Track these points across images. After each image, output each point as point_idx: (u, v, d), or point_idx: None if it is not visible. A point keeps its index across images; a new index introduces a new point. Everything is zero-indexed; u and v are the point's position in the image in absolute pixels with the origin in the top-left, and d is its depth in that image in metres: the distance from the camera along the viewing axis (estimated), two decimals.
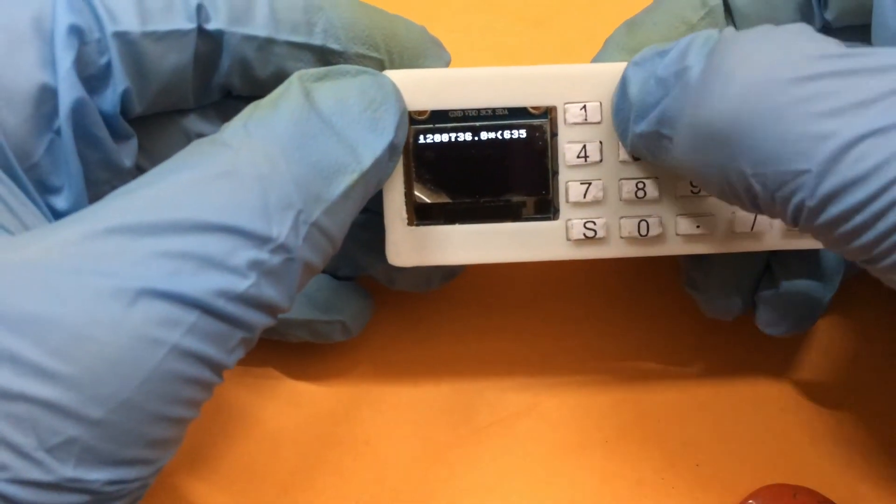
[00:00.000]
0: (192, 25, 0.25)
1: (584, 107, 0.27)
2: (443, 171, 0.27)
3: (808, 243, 0.28)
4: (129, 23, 0.25)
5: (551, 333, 0.33)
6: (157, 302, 0.20)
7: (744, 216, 0.28)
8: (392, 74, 0.26)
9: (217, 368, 0.21)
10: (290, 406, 0.32)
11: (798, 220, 0.22)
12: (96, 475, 0.20)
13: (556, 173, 0.28)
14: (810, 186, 0.21)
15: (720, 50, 0.23)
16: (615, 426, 0.32)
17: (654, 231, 0.28)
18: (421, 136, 0.27)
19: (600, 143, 0.27)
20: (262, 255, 0.21)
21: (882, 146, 0.20)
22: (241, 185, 0.22)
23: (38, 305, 0.20)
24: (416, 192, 0.27)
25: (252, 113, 0.23)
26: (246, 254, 0.21)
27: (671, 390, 0.32)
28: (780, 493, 0.30)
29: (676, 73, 0.23)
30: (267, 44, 0.26)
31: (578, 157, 0.27)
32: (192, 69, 0.26)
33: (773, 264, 0.30)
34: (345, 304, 0.31)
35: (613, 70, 0.27)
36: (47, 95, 0.24)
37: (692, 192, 0.28)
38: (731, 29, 0.23)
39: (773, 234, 0.28)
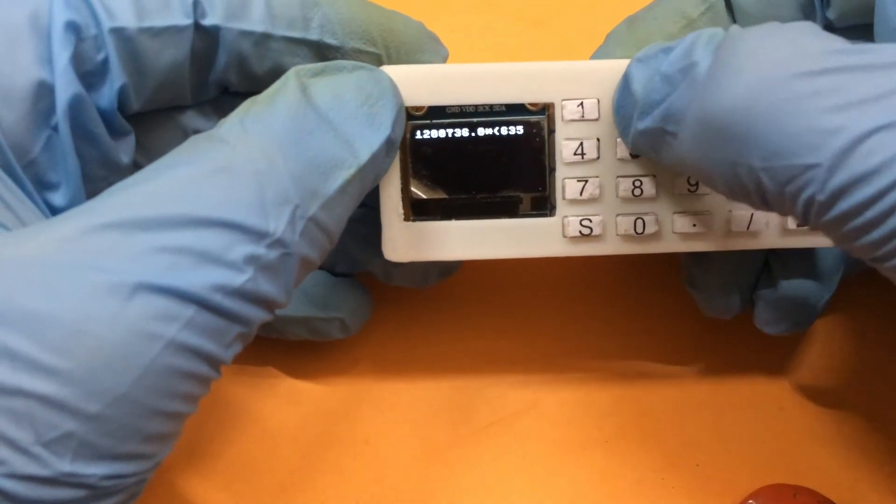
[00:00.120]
0: (188, 21, 0.26)
1: (582, 104, 0.27)
2: (439, 167, 0.27)
3: (805, 242, 0.28)
4: (126, 19, 0.25)
5: (551, 332, 0.33)
6: (153, 297, 0.20)
7: (741, 214, 0.28)
8: (389, 70, 0.26)
9: (214, 363, 0.21)
10: (289, 404, 0.32)
11: (808, 215, 0.22)
12: (93, 470, 0.20)
13: (552, 170, 0.28)
14: (820, 181, 0.21)
15: (728, 46, 0.23)
16: (615, 426, 0.32)
17: (650, 229, 0.28)
18: (418, 132, 0.27)
19: (597, 140, 0.27)
20: (259, 249, 0.21)
21: (891, 142, 0.20)
22: (238, 180, 0.22)
23: (34, 301, 0.20)
24: (413, 188, 0.27)
25: (248, 109, 0.23)
26: (243, 249, 0.21)
27: (671, 390, 0.32)
28: (780, 493, 0.30)
29: (683, 70, 0.23)
30: (263, 39, 0.26)
31: (575, 154, 0.27)
32: (189, 65, 0.26)
33: (771, 263, 0.30)
34: (343, 301, 0.31)
35: (611, 67, 0.27)
36: (44, 92, 0.24)
37: (689, 189, 0.28)
38: (736, 26, 0.23)
39: (769, 233, 0.28)
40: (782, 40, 0.22)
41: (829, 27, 0.28)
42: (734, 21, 0.29)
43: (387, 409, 0.32)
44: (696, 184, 0.28)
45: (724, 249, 0.28)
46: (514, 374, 0.33)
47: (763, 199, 0.22)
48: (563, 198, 0.28)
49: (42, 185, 0.25)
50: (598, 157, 0.27)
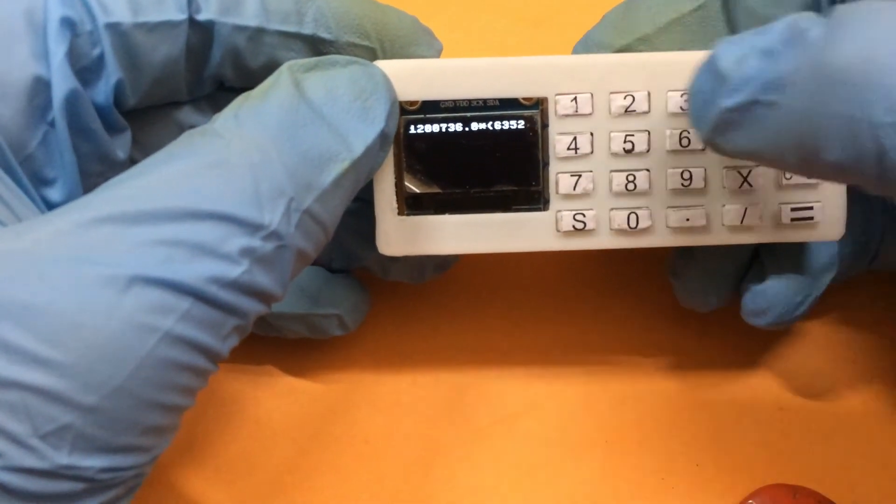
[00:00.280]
0: (183, 16, 0.26)
1: (575, 98, 0.27)
2: (433, 162, 0.27)
3: (797, 237, 0.28)
4: (121, 14, 0.25)
5: (550, 329, 0.33)
6: (149, 289, 0.20)
7: (734, 209, 0.28)
8: (383, 64, 0.26)
9: (211, 356, 0.21)
10: (287, 403, 0.32)
11: None
12: (91, 462, 0.20)
13: (546, 164, 0.28)
14: None
15: (842, 11, 0.21)
16: (615, 426, 0.32)
17: (643, 223, 0.28)
18: (412, 127, 0.27)
19: (591, 134, 0.27)
20: (255, 242, 0.22)
21: None
22: (233, 173, 0.22)
23: (31, 294, 0.20)
24: (407, 183, 0.28)
25: (242, 103, 0.24)
26: (238, 241, 0.21)
27: (671, 390, 0.32)
28: (780, 493, 0.30)
29: (788, 40, 0.22)
30: (257, 34, 0.26)
31: (569, 148, 0.28)
32: (185, 60, 0.26)
33: (762, 256, 0.30)
34: (340, 297, 0.31)
35: (604, 62, 0.27)
36: (41, 87, 0.24)
37: (683, 185, 0.28)
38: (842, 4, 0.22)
39: (763, 228, 0.28)
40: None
41: None
42: (727, 21, 0.28)
43: (386, 408, 0.32)
44: (690, 178, 0.28)
45: (717, 244, 0.28)
46: (514, 372, 0.33)
47: (880, 165, 0.20)
48: (557, 192, 0.28)
49: (39, 181, 0.25)
50: (592, 152, 0.28)
